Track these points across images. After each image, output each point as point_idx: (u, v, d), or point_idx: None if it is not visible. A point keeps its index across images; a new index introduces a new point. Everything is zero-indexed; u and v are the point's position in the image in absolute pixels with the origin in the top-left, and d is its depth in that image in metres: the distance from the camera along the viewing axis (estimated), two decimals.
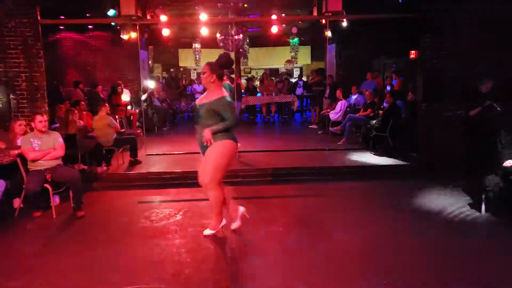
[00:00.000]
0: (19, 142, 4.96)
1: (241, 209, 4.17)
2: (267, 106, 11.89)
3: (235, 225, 4.11)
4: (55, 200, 4.92)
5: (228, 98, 3.78)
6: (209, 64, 3.80)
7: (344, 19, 8.46)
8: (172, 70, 16.38)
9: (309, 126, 10.65)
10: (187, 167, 6.44)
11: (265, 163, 6.61)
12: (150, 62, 13.37)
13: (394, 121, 7.17)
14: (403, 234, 4.08)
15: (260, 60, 16.22)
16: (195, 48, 14.79)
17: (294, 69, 16.34)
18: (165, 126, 10.95)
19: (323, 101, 10.35)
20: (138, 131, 8.25)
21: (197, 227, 4.31)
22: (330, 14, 6.98)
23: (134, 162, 6.70)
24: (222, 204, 3.98)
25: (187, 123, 12.48)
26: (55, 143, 4.86)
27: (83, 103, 8.15)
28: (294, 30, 12.12)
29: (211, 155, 3.77)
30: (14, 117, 6.31)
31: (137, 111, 10.23)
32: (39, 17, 6.54)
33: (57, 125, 6.69)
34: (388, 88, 9.49)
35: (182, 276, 3.28)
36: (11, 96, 6.57)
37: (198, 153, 7.15)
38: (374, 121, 7.75)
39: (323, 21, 8.73)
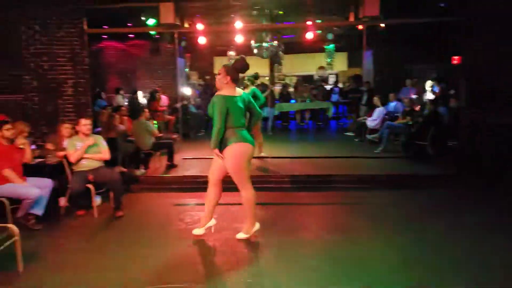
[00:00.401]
0: (65, 144, 5.19)
1: (213, 221, 4.21)
2: (301, 113, 11.83)
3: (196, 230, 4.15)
4: (97, 200, 5.11)
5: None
6: (225, 66, 3.87)
7: (382, 24, 8.29)
8: (207, 77, 16.65)
9: (345, 134, 10.48)
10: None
11: (298, 170, 6.55)
12: (187, 69, 13.66)
13: (435, 129, 6.92)
14: (439, 243, 3.91)
15: (295, 67, 16.17)
16: (230, 55, 14.97)
17: (330, 76, 16.17)
18: (201, 131, 11.13)
19: (360, 108, 10.17)
20: (175, 135, 8.42)
21: (231, 231, 4.32)
22: (367, 19, 6.87)
23: (171, 166, 6.85)
24: (254, 207, 3.99)
25: None
26: (100, 146, 5.05)
27: (123, 108, 8.43)
28: (330, 36, 12.01)
29: (227, 164, 3.86)
30: (60, 120, 6.62)
31: (174, 116, 10.46)
32: (85, 27, 6.87)
33: (100, 129, 6.95)
34: (429, 95, 9.19)
35: (216, 278, 3.31)
36: (59, 101, 6.92)
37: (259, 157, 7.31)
38: (413, 129, 7.51)
39: (360, 26, 8.61)
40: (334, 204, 5.35)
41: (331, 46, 14.78)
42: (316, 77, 15.81)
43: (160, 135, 7.69)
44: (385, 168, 6.69)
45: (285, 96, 12.21)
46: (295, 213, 5.01)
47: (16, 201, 4.34)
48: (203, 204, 5.29)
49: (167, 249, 3.90)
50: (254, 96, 7.20)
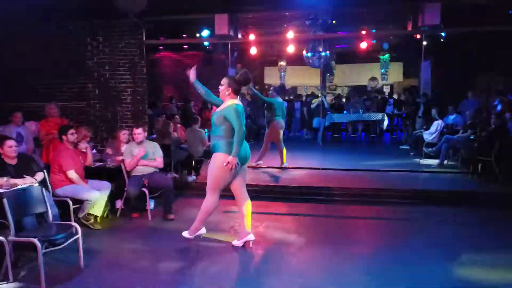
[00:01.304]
0: (123, 149, 5.43)
1: (203, 230, 4.22)
2: (353, 124, 11.55)
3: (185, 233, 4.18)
4: (151, 203, 5.28)
5: (237, 106, 3.81)
6: (227, 78, 4.00)
7: (442, 33, 7.91)
8: (257, 87, 16.79)
9: (400, 147, 10.07)
10: (268, 180, 6.48)
11: (349, 182, 6.36)
12: None
13: (501, 144, 6.43)
14: (500, 266, 3.59)
15: (347, 77, 15.89)
16: (280, 65, 15.03)
17: (384, 86, 15.69)
18: (250, 140, 11.19)
19: (416, 121, 9.74)
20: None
21: (280, 240, 4.32)
22: (426, 28, 6.58)
23: None
24: (207, 214, 4.06)
25: None
26: (156, 154, 5.24)
27: (177, 116, 8.70)
28: (385, 46, 11.67)
29: (209, 168, 3.98)
30: (119, 127, 6.96)
31: None
32: (144, 38, 7.20)
33: (155, 136, 7.21)
34: (496, 107, 8.58)
35: (265, 285, 3.31)
36: (118, 108, 7.29)
37: (281, 168, 7.30)
38: (476, 144, 7.05)
39: (418, 35, 8.27)
40: (387, 219, 5.14)
41: (386, 56, 14.37)
42: (368, 88, 15.42)
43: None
44: (443, 184, 6.33)
45: (336, 107, 12.00)
46: (345, 227, 4.86)
47: (78, 202, 4.59)
48: (252, 213, 5.33)
49: (217, 255, 3.93)
50: (271, 105, 7.34)
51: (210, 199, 4.02)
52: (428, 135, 8.36)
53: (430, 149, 8.09)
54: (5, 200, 3.29)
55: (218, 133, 3.89)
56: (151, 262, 3.78)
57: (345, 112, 11.68)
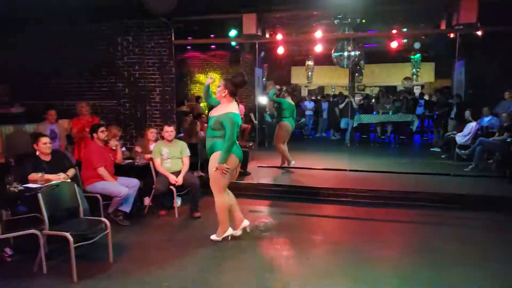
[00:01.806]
0: (151, 147, 5.52)
1: (246, 223, 4.31)
2: (382, 126, 11.31)
3: (234, 232, 4.28)
4: (178, 201, 5.35)
5: (233, 116, 3.89)
6: (224, 80, 4.10)
7: (478, 32, 7.59)
8: (284, 87, 16.72)
9: (431, 149, 9.78)
10: (295, 181, 6.43)
11: (378, 184, 6.23)
12: (264, 79, 13.87)
13: None
14: None
15: (376, 77, 15.59)
16: (308, 65, 14.91)
17: (415, 87, 15.28)
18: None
19: (448, 122, 9.43)
20: (250, 144, 8.54)
21: (306, 241, 4.27)
22: (461, 27, 6.34)
23: (244, 173, 6.94)
24: (226, 213, 4.13)
25: (296, 139, 12.55)
26: (183, 153, 5.30)
27: (204, 116, 8.78)
28: (417, 45, 11.35)
29: (209, 170, 4.08)
30: (148, 125, 7.08)
31: (249, 125, 10.63)
32: (173, 38, 7.29)
33: (182, 134, 7.29)
34: None
35: (290, 287, 3.26)
36: (147, 107, 7.42)
37: (306, 168, 7.23)
38: None
39: (452, 34, 8.00)
40: (417, 223, 4.99)
41: (417, 55, 13.99)
42: (402, 87, 15.07)
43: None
44: (476, 188, 6.08)
45: (365, 108, 11.79)
46: (373, 230, 4.76)
47: (107, 198, 4.69)
48: (277, 213, 5.33)
49: (241, 254, 3.94)
50: (280, 105, 7.34)
51: (218, 199, 4.11)
52: (461, 138, 8.07)
53: (463, 151, 7.81)
54: (40, 195, 3.40)
55: (215, 134, 3.99)
56: (178, 259, 3.82)
57: (374, 113, 11.45)
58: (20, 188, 3.75)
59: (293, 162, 7.42)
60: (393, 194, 5.86)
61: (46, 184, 3.77)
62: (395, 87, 15.78)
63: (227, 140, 3.89)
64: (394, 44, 9.50)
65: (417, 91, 15.04)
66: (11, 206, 3.86)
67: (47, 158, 4.29)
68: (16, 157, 5.15)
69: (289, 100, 7.45)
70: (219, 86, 4.06)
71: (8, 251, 3.70)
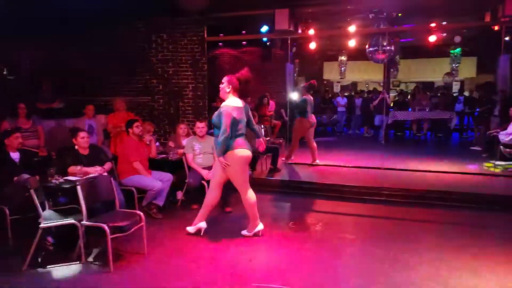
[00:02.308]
0: (183, 142, 5.61)
1: (261, 226, 4.24)
2: (418, 123, 10.97)
3: (244, 232, 4.28)
4: None
5: (225, 108, 3.89)
6: (228, 76, 4.09)
7: None
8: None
9: (471, 148, 9.38)
10: (326, 179, 6.35)
11: (413, 184, 6.04)
12: (295, 75, 13.75)
13: None
14: None
15: (412, 73, 15.09)
16: (340, 60, 14.64)
17: (454, 83, 14.69)
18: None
19: (491, 120, 8.99)
20: (280, 140, 8.51)
21: (337, 240, 4.21)
22: (507, 19, 6.02)
23: (274, 170, 6.94)
24: (255, 208, 4.13)
25: (328, 136, 12.40)
26: (214, 149, 5.33)
27: None
28: (457, 39, 10.86)
29: (227, 170, 4.07)
30: (180, 121, 7.21)
31: (280, 122, 10.59)
32: (205, 35, 7.36)
33: (213, 130, 7.36)
34: None
35: (322, 286, 3.23)
36: (180, 104, 7.55)
37: (337, 166, 7.12)
38: None
39: (496, 27, 7.60)
40: (454, 224, 4.80)
41: (458, 50, 13.41)
42: (440, 83, 14.54)
43: (267, 139, 7.83)
44: None
45: (400, 104, 11.47)
46: (407, 230, 4.61)
47: (142, 191, 4.81)
48: (309, 211, 5.29)
49: (272, 250, 3.95)
50: (301, 105, 7.24)
51: (244, 196, 4.13)
52: (505, 136, 7.67)
53: (508, 150, 7.44)
54: (78, 188, 3.54)
55: (216, 133, 4.03)
56: (209, 252, 3.87)
57: (409, 109, 11.11)
58: (61, 180, 3.92)
59: (292, 158, 7.53)
60: (429, 194, 5.66)
61: (84, 177, 3.91)
62: (432, 82, 15.22)
63: (222, 133, 3.89)
64: (432, 38, 9.13)
65: (456, 87, 14.45)
66: (52, 197, 4.04)
67: (85, 152, 4.45)
68: (57, 151, 5.40)
69: (307, 97, 7.37)
70: (222, 83, 4.07)
71: (50, 239, 3.87)
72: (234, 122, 3.95)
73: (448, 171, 6.71)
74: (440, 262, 3.67)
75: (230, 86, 4.04)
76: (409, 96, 12.65)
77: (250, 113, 4.23)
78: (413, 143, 10.75)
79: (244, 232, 4.25)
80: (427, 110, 10.70)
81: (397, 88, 14.55)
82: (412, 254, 3.84)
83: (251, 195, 4.15)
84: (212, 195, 4.26)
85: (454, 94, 12.59)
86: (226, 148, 3.98)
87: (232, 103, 4.00)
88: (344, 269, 3.56)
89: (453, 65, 13.79)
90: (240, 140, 4.03)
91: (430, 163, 7.52)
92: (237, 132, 4.00)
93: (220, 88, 4.12)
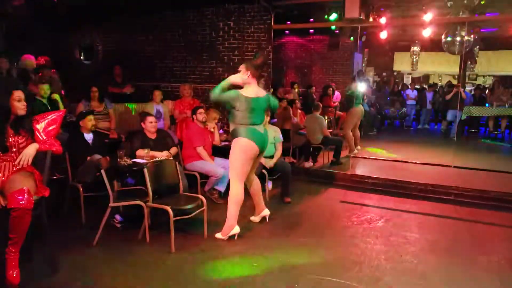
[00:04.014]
0: None
1: (266, 212, 4.28)
2: (495, 120, 10.09)
3: (253, 218, 4.32)
4: (269, 185, 5.43)
5: (234, 92, 3.86)
6: (245, 63, 4.00)
7: None
8: (384, 74, 15.85)
9: None
10: (391, 174, 6.08)
11: (486, 184, 5.59)
12: (363, 65, 13.26)
13: None
14: None
15: (493, 65, 13.86)
16: (413, 51, 13.83)
17: None
18: (372, 130, 10.67)
19: None
20: (343, 132, 8.28)
21: (400, 238, 4.06)
22: None
23: (336, 163, 6.81)
24: (237, 207, 3.89)
25: (395, 130, 11.86)
26: (276, 138, 5.35)
27: (298, 102, 8.72)
28: None
29: (230, 156, 3.96)
30: None
31: (345, 113, 10.30)
32: (272, 23, 7.31)
33: (275, 120, 7.36)
34: None
35: (380, 282, 3.14)
36: None
37: (404, 161, 6.79)
38: None
39: None
40: None
41: None
42: None
43: (330, 131, 7.66)
44: None
45: (476, 99, 10.62)
46: (477, 233, 4.32)
47: (204, 177, 4.95)
48: (370, 206, 5.13)
49: (332, 244, 3.91)
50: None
51: (234, 188, 3.91)
52: None
53: None
54: (145, 170, 3.71)
55: (230, 119, 3.99)
56: (266, 241, 3.91)
57: (487, 105, 10.25)
58: (129, 162, 4.12)
59: (356, 150, 7.40)
60: (504, 196, 5.23)
61: (151, 160, 4.10)
62: None
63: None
64: None
65: None
66: (121, 178, 4.28)
67: (153, 136, 4.65)
68: (127, 134, 5.71)
69: (355, 87, 7.35)
70: (239, 71, 3.94)
71: (118, 218, 4.12)
72: (244, 110, 3.80)
73: None
74: (509, 268, 3.37)
75: (249, 72, 3.90)
76: (486, 91, 11.67)
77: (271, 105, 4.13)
78: (489, 141, 9.92)
79: (217, 235, 3.92)
80: (507, 106, 9.79)
81: (474, 82, 13.47)
82: (480, 259, 3.57)
83: (239, 191, 3.89)
84: (239, 190, 3.93)
85: None
86: (237, 134, 3.87)
87: (246, 92, 3.87)
88: (406, 268, 3.38)
89: None
90: (252, 129, 3.85)
91: (506, 163, 6.91)
92: (249, 121, 3.83)
93: (239, 78, 3.93)
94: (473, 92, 11.12)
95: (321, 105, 7.39)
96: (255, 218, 4.39)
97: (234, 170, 3.92)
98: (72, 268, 3.22)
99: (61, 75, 7.20)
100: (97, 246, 3.67)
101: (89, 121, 4.64)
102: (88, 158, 4.33)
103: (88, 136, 4.62)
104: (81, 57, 9.59)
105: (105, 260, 3.43)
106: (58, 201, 4.32)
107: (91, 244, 3.67)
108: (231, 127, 3.99)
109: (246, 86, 3.93)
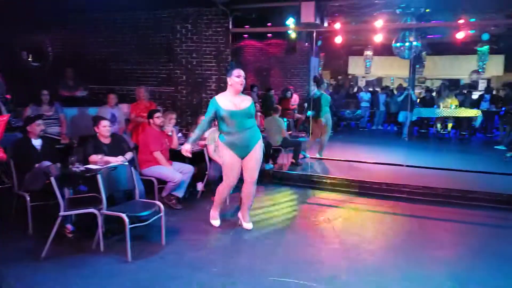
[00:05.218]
0: (205, 134, 5.59)
1: (217, 223, 4.34)
2: (442, 120, 10.69)
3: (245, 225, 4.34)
4: (199, 186, 5.46)
5: (214, 98, 4.16)
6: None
7: None
8: (340, 77, 16.35)
9: (495, 147, 9.09)
10: (347, 174, 6.26)
11: (435, 182, 5.88)
12: (320, 68, 13.57)
13: None
14: None
15: (438, 70, 14.71)
16: (366, 55, 14.38)
17: (480, 81, 14.27)
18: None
19: None
20: (302, 134, 8.43)
21: (356, 236, 4.17)
22: None
23: (295, 164, 6.90)
24: (221, 198, 4.29)
25: (350, 131, 12.22)
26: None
27: (257, 104, 8.77)
28: (485, 36, 10.50)
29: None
30: (202, 112, 7.19)
31: (303, 115, 10.48)
32: (230, 26, 7.30)
33: None
34: None
35: (338, 281, 3.22)
36: (203, 95, 7.54)
37: (360, 162, 7.00)
38: None
39: None
40: (475, 224, 4.70)
41: (485, 47, 12.96)
42: (468, 81, 14.15)
43: (289, 133, 7.77)
44: None
45: (425, 101, 11.20)
46: (427, 228, 4.56)
47: (162, 182, 4.84)
48: (329, 206, 5.25)
49: (292, 244, 3.97)
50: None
51: (223, 184, 4.24)
52: None
53: None
54: (99, 176, 3.57)
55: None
56: (228, 245, 3.91)
57: (435, 106, 10.84)
58: (82, 168, 3.94)
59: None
60: (451, 192, 5.54)
61: (105, 166, 3.95)
62: (458, 80, 14.79)
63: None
64: (460, 35, 8.85)
65: (482, 85, 14.03)
66: (73, 185, 4.08)
67: (107, 141, 4.48)
68: (79, 139, 5.47)
69: (323, 89, 7.54)
70: (238, 77, 4.19)
71: (70, 227, 3.93)
72: (222, 118, 4.08)
73: (471, 170, 6.47)
74: (457, 261, 3.58)
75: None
76: (434, 93, 12.35)
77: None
78: (436, 141, 10.47)
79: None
80: (452, 107, 10.41)
81: (423, 85, 14.21)
82: (431, 253, 3.76)
83: (225, 190, 4.26)
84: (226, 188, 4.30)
85: (480, 93, 12.21)
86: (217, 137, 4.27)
87: (221, 98, 4.23)
88: (362, 265, 3.48)
89: (480, 62, 13.35)
90: (230, 137, 4.10)
91: (453, 161, 7.31)
92: (226, 129, 4.10)
93: (240, 83, 4.18)
94: (423, 95, 11.70)
95: (280, 107, 7.47)
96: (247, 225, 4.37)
97: (225, 172, 4.19)
98: (18, 284, 3.03)
99: (6, 78, 6.78)
100: (46, 258, 3.47)
101: (37, 126, 4.41)
102: (37, 165, 4.12)
103: (37, 142, 4.40)
104: (29, 59, 9.10)
105: (56, 273, 3.24)
106: (2, 211, 4.06)
107: (40, 257, 3.47)
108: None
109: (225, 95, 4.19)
